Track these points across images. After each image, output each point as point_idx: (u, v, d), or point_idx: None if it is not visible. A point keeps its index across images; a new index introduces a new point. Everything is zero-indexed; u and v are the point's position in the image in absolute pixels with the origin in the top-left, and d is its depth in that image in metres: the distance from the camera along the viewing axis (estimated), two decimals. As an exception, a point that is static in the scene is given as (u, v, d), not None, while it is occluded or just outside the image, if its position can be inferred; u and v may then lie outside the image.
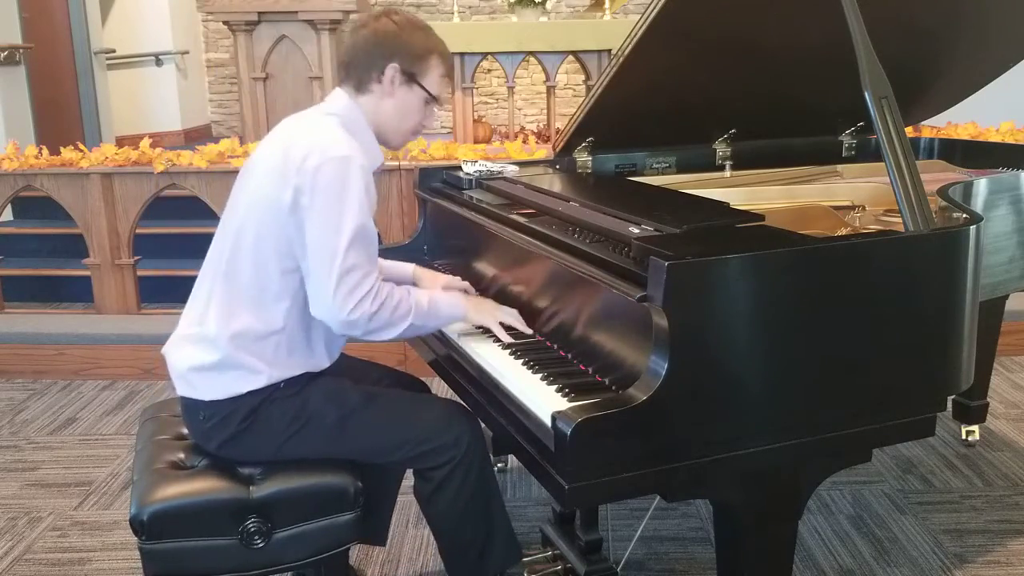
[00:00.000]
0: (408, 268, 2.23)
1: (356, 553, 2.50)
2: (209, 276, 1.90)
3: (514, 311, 1.97)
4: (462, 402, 1.99)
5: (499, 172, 2.53)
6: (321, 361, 1.92)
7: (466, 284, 2.20)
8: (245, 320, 1.82)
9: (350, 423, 1.87)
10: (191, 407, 1.88)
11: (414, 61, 1.88)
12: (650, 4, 2.09)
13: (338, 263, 1.74)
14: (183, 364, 1.87)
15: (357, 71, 1.88)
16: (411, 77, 1.88)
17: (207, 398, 1.84)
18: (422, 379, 2.24)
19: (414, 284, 2.20)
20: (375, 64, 1.86)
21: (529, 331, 1.94)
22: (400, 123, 1.93)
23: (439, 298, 1.94)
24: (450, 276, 2.24)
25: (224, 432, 1.85)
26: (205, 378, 1.84)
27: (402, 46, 1.87)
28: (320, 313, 1.80)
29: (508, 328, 1.94)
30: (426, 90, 1.90)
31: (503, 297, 2.12)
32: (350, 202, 1.76)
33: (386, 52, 1.86)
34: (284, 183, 1.77)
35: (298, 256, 1.80)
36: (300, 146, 1.78)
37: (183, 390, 1.88)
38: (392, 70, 1.86)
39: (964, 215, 1.87)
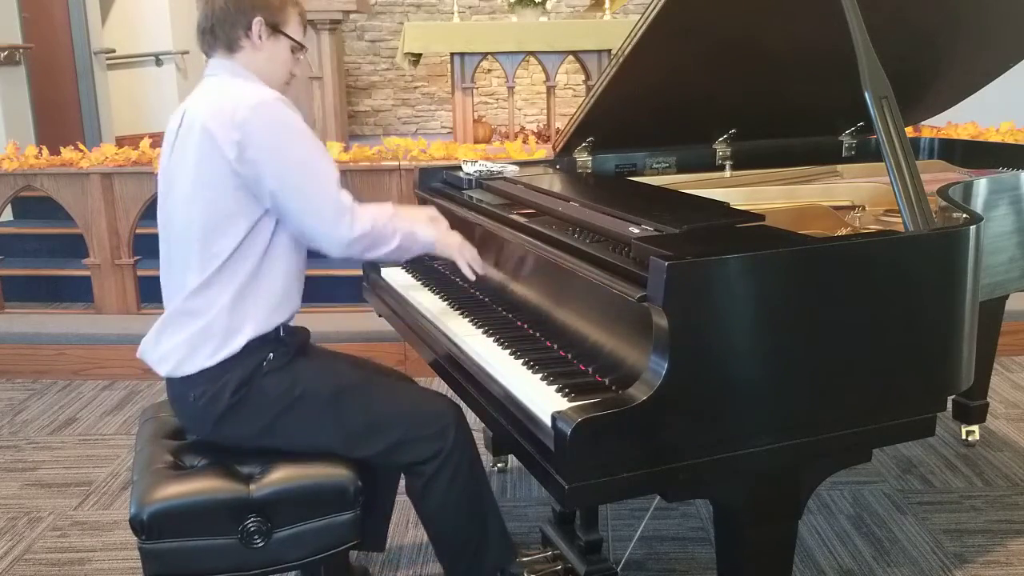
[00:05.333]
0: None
1: (356, 553, 2.50)
2: (166, 262, 1.93)
3: (474, 250, 2.07)
4: (454, 396, 1.99)
5: (499, 172, 2.53)
6: (295, 303, 1.97)
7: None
8: (212, 286, 1.84)
9: (344, 397, 1.90)
10: (180, 389, 1.88)
11: (275, 12, 1.93)
12: (650, 4, 2.09)
13: (325, 191, 1.84)
14: (161, 349, 1.89)
15: (225, 31, 1.91)
16: (275, 28, 1.93)
17: (194, 370, 1.84)
18: (414, 379, 2.23)
19: None
20: (240, 21, 1.90)
21: (480, 273, 2.06)
22: (273, 75, 1.97)
23: (416, 223, 2.00)
24: (433, 210, 2.16)
25: (217, 407, 1.85)
26: (186, 350, 1.85)
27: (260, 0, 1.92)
28: (322, 242, 1.88)
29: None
30: (292, 38, 1.96)
31: (503, 297, 2.12)
32: (301, 135, 1.84)
33: (247, 7, 1.90)
34: (222, 143, 1.79)
35: (263, 201, 1.83)
36: (222, 107, 1.81)
37: (168, 371, 1.88)
38: (258, 24, 1.91)
39: (964, 215, 1.87)
